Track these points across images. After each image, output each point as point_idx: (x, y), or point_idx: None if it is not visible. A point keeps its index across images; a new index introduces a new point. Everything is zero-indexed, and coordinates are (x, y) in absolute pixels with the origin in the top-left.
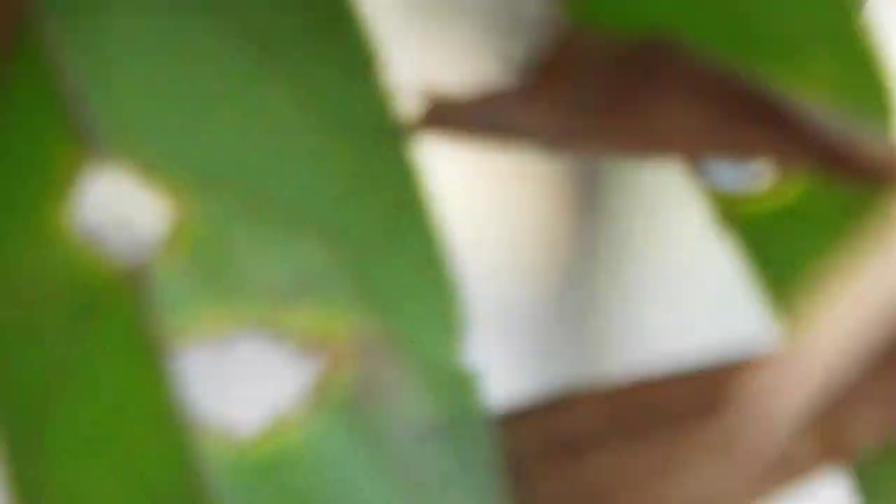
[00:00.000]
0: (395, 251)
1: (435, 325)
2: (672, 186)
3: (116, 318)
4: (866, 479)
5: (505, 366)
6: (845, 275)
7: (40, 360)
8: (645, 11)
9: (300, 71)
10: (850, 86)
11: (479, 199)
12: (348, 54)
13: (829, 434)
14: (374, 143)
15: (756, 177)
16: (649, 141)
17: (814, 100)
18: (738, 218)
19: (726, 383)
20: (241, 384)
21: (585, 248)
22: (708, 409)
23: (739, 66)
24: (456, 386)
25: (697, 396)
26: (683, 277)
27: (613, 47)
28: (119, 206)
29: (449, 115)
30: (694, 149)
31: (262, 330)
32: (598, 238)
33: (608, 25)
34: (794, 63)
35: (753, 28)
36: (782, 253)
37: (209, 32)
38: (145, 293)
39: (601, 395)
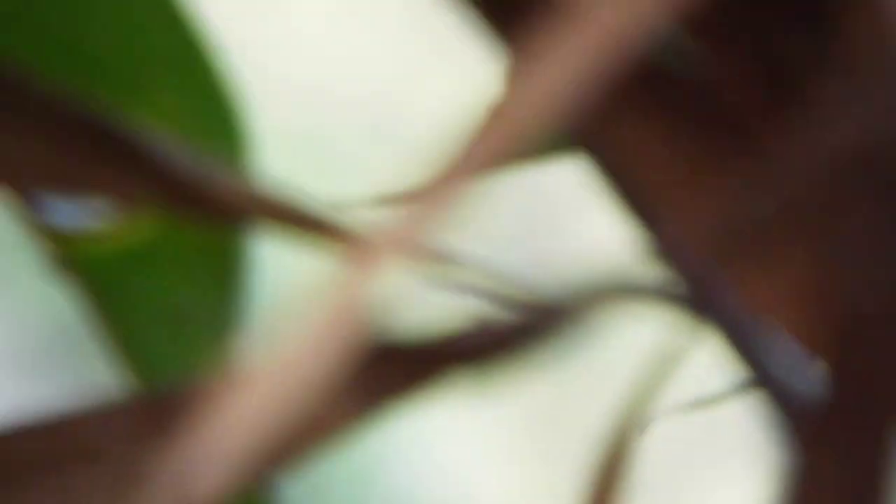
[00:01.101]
0: None
1: None
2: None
3: None
4: None
5: None
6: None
7: None
8: None
9: None
10: (200, 118)
11: None
12: None
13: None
14: None
15: (100, 215)
16: None
17: (161, 133)
18: (79, 259)
19: (156, 419)
20: None
21: None
22: (135, 443)
23: (81, 95)
24: None
25: (126, 430)
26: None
27: None
28: None
29: None
30: (29, 183)
31: None
32: None
33: None
34: (140, 94)
35: (96, 56)
36: (129, 295)
37: None
38: None
39: (27, 428)
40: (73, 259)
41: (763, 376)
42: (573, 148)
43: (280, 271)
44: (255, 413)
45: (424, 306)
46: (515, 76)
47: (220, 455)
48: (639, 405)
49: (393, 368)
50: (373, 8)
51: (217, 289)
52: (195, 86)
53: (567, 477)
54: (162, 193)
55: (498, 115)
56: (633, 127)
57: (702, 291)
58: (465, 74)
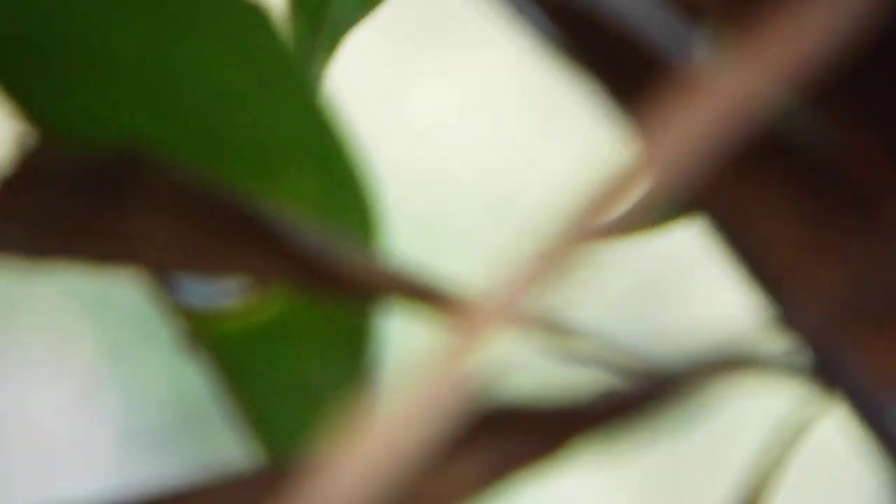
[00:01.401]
0: None
1: None
2: None
3: None
4: None
5: None
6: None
7: None
8: (117, 121)
9: None
10: (332, 200)
11: None
12: None
13: None
14: None
15: (232, 294)
16: (119, 254)
17: (293, 214)
18: (212, 336)
19: (281, 489)
20: None
21: None
22: None
23: (216, 179)
24: None
25: (254, 499)
26: None
27: (83, 159)
28: None
29: None
30: (165, 263)
31: None
32: None
33: (79, 137)
34: (273, 176)
35: (229, 140)
36: (260, 370)
37: None
38: None
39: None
40: (206, 336)
41: (889, 446)
42: (696, 216)
43: (407, 347)
44: (367, 481)
45: (541, 375)
46: (637, 146)
47: None
48: (767, 475)
49: (514, 436)
50: (488, 86)
51: (346, 363)
52: (330, 171)
53: None
54: (292, 271)
55: (618, 182)
56: (759, 196)
57: (827, 361)
58: (580, 150)
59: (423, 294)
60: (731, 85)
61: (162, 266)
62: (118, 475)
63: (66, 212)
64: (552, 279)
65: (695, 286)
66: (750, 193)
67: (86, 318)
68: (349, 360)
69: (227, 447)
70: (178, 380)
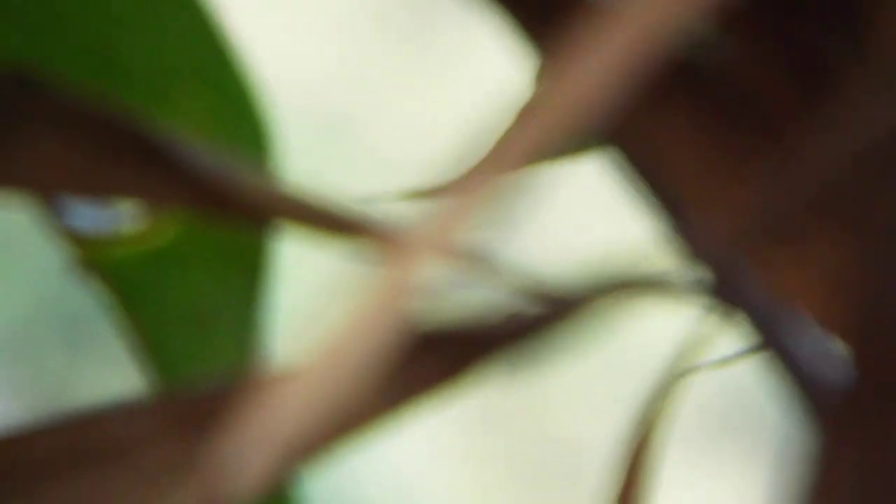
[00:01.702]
0: None
1: None
2: None
3: None
4: None
5: None
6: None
7: None
8: (4, 42)
9: None
10: (225, 121)
11: None
12: None
13: None
14: None
15: (126, 218)
16: (9, 179)
17: (187, 136)
18: (106, 261)
19: (181, 417)
20: None
21: None
22: (160, 442)
23: (108, 100)
24: None
25: (151, 428)
26: None
27: None
28: None
29: None
30: (55, 187)
31: None
32: None
33: None
34: (166, 98)
35: (121, 61)
36: (155, 296)
37: None
38: None
39: (50, 427)
40: (99, 262)
41: (789, 362)
42: (601, 143)
43: (304, 270)
44: (291, 408)
45: (452, 300)
46: (548, 74)
47: (255, 450)
48: (665, 393)
49: (428, 360)
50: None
51: (242, 289)
52: (223, 91)
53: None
54: (187, 195)
55: (530, 112)
56: (663, 122)
57: (729, 281)
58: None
59: (321, 217)
60: (642, 12)
61: (52, 189)
62: None
63: None
64: (472, 207)
65: (601, 213)
66: (655, 118)
67: None
68: (245, 285)
69: (51, 380)
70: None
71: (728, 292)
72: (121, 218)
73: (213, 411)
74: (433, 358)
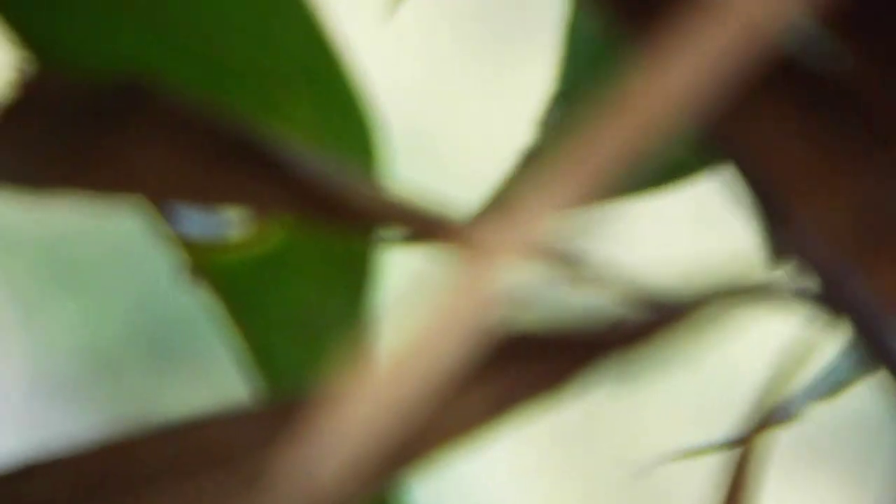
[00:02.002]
0: None
1: None
2: None
3: None
4: None
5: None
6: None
7: None
8: (118, 49)
9: None
10: (333, 128)
11: None
12: None
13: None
14: None
15: (231, 225)
16: (120, 185)
17: (294, 142)
18: (212, 267)
19: (284, 423)
20: None
21: None
22: (265, 447)
23: (217, 107)
24: None
25: (256, 435)
26: None
27: (84, 88)
28: None
29: None
30: (166, 193)
31: None
32: None
33: (80, 65)
34: (275, 104)
35: (231, 67)
36: (260, 303)
37: None
38: None
39: (157, 434)
40: (206, 268)
41: (895, 369)
42: (707, 150)
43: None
44: (378, 414)
45: (549, 305)
46: (647, 72)
47: (343, 457)
48: (770, 401)
49: (524, 366)
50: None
51: (347, 294)
52: (331, 98)
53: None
54: (295, 201)
55: (627, 111)
56: (769, 124)
57: (835, 288)
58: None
59: (425, 223)
60: (747, 8)
61: (162, 196)
62: (28, 425)
63: (66, 141)
64: (563, 208)
65: (706, 220)
66: (762, 121)
67: None
68: (350, 291)
69: (141, 396)
70: (89, 327)
71: (835, 299)
72: (229, 224)
73: (310, 417)
74: (536, 364)
